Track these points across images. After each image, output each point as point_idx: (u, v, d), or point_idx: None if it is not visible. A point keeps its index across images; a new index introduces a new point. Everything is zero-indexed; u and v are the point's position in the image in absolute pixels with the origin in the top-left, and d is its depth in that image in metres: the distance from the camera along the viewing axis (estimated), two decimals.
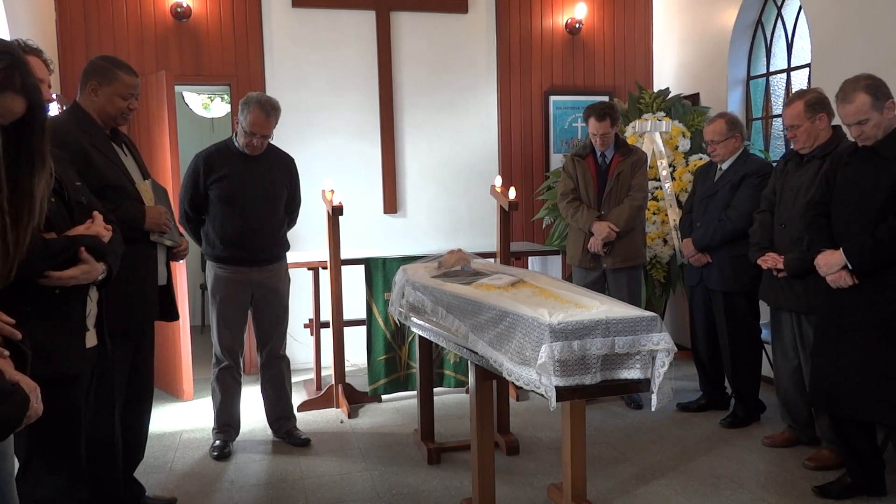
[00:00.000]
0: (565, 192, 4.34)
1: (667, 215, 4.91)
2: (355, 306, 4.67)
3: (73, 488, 2.01)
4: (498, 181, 4.59)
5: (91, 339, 2.12)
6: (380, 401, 4.59)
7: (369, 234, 5.48)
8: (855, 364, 2.87)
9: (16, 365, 1.56)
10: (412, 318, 3.25)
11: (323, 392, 4.52)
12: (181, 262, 4.33)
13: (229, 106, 5.78)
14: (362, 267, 4.47)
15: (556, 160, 5.81)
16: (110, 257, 2.09)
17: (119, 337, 2.54)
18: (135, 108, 2.83)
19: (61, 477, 1.99)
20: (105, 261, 2.06)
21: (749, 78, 5.29)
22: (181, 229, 3.30)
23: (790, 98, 3.50)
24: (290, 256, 3.99)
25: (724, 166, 4.00)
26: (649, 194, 4.44)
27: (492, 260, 4.34)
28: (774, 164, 4.07)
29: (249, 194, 3.60)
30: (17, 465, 1.95)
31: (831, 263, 2.91)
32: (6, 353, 1.56)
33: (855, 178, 2.94)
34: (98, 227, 2.05)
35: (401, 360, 4.53)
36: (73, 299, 1.98)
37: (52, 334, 1.91)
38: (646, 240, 4.50)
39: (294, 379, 4.10)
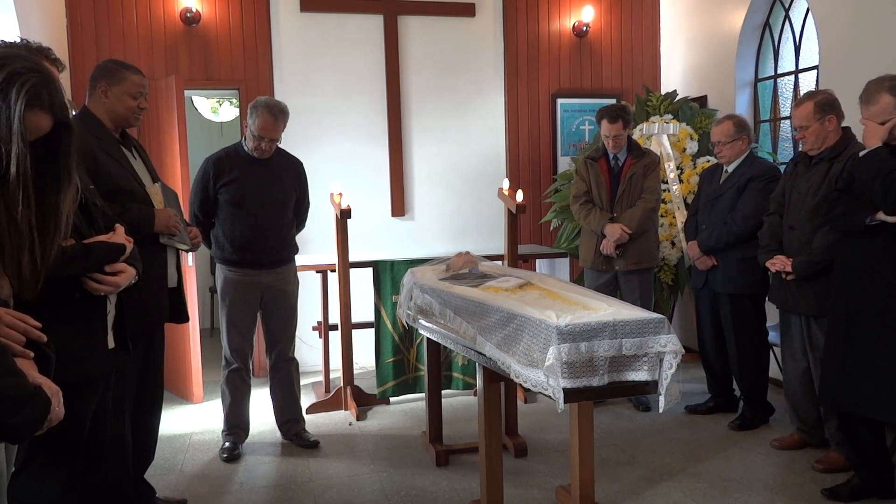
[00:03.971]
0: (578, 195, 4.35)
1: (675, 218, 4.91)
2: (363, 309, 4.69)
3: (65, 494, 2.00)
4: (505, 184, 4.60)
5: (110, 342, 2.14)
6: (388, 403, 4.60)
7: (377, 238, 5.49)
8: (864, 362, 2.83)
9: (39, 368, 1.58)
10: (420, 321, 3.26)
11: (331, 394, 4.54)
12: (191, 265, 4.41)
13: (238, 110, 5.81)
14: (370, 270, 4.48)
15: (564, 163, 5.81)
16: (137, 261, 2.12)
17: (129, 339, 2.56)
18: (145, 108, 2.87)
19: (55, 482, 1.98)
20: (134, 265, 2.09)
21: (757, 80, 5.28)
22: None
23: (800, 99, 3.48)
24: (299, 259, 4.01)
25: (730, 168, 4.00)
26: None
27: (499, 262, 4.35)
28: (781, 168, 4.06)
29: (258, 198, 3.63)
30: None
31: None
32: (30, 354, 1.57)
33: None
34: (119, 237, 2.07)
35: (409, 362, 4.54)
36: (93, 302, 1.99)
37: (76, 337, 1.91)
38: (658, 242, 4.50)
39: (303, 381, 4.11)
